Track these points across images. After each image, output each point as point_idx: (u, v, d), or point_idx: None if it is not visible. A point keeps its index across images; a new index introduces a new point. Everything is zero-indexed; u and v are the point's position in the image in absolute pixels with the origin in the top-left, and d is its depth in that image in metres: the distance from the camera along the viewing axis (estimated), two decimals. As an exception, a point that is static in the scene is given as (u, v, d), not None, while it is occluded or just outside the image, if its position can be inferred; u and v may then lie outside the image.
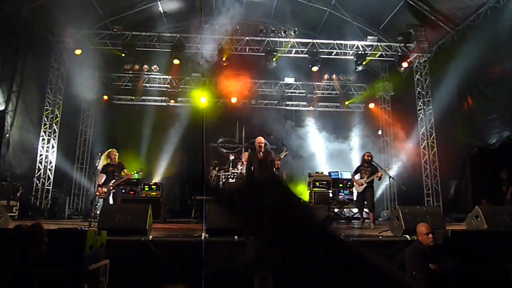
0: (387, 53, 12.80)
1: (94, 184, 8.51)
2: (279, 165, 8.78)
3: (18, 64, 10.46)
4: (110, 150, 8.46)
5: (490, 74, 10.06)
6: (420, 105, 12.65)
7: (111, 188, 8.13)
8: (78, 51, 11.63)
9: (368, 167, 8.58)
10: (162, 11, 13.02)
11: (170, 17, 13.20)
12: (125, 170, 8.44)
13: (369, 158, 8.67)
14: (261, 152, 7.51)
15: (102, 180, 8.18)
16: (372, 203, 8.52)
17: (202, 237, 5.34)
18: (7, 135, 9.98)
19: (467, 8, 10.75)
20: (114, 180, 8.15)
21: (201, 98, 14.57)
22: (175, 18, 13.33)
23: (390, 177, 8.95)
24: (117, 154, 8.47)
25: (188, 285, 1.25)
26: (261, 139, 7.72)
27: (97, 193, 8.00)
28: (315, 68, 13.02)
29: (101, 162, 8.34)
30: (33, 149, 11.39)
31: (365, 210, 8.89)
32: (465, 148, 10.78)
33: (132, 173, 10.77)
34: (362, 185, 8.43)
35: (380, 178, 8.57)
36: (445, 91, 11.35)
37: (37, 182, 11.22)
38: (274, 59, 12.57)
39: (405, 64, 12.42)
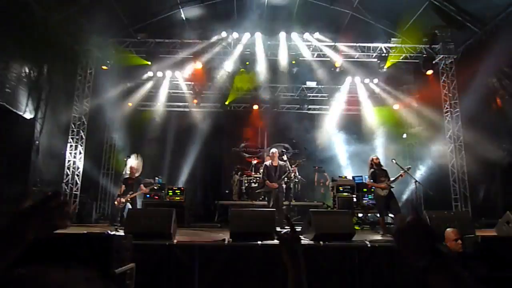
0: (412, 55, 12.57)
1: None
2: (295, 171, 8.92)
3: (46, 73, 10.80)
4: (132, 165, 8.99)
5: (521, 75, 9.74)
6: (447, 108, 12.32)
7: (128, 199, 8.75)
8: (104, 67, 12.11)
9: (382, 170, 8.40)
10: (184, 18, 13.20)
11: (192, 24, 13.36)
12: (142, 185, 9.14)
13: (378, 160, 8.50)
14: (275, 161, 8.79)
15: (122, 191, 8.83)
16: (398, 206, 8.32)
17: (226, 242, 5.35)
18: (37, 142, 10.29)
19: (495, 7, 10.41)
20: (131, 192, 8.59)
21: (224, 103, 14.75)
22: (198, 25, 13.48)
23: (416, 181, 8.72)
24: (138, 167, 9.01)
25: None
26: (275, 150, 9.03)
27: (116, 203, 8.47)
28: (338, 63, 12.85)
29: (127, 167, 8.89)
30: (61, 155, 11.70)
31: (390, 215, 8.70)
32: (495, 152, 10.42)
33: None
34: (385, 188, 8.15)
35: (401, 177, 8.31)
36: (473, 93, 11.00)
37: (65, 187, 11.52)
38: (293, 62, 12.54)
39: (429, 72, 12.24)
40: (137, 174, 9.37)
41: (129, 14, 12.37)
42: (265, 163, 9.37)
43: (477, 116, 11.12)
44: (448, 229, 4.76)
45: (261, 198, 11.26)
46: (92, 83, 12.46)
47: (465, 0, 10.88)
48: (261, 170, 11.79)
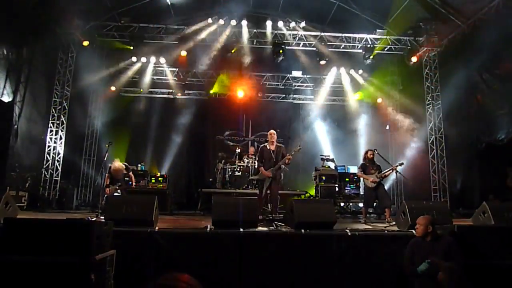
0: (396, 46, 12.66)
1: (102, 176, 8.77)
2: (290, 160, 7.81)
3: (25, 55, 10.49)
4: (117, 165, 8.53)
5: (501, 69, 9.92)
6: (429, 100, 12.52)
7: (117, 188, 8.44)
8: (85, 43, 11.71)
9: (373, 164, 8.45)
10: (169, 3, 12.93)
11: (177, 9, 13.12)
12: (131, 174, 8.84)
13: (372, 156, 8.52)
14: (274, 144, 7.86)
15: (109, 181, 8.44)
16: (389, 198, 8.41)
17: (208, 229, 5.36)
18: (15, 126, 10.05)
19: (478, 1, 10.54)
20: (119, 183, 8.37)
21: (209, 91, 14.65)
22: (183, 10, 13.26)
23: (396, 172, 8.84)
24: (123, 168, 8.57)
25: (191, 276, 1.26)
26: (273, 131, 8.01)
27: (107, 192, 8.18)
28: (323, 62, 12.97)
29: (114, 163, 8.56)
30: (41, 140, 11.46)
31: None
32: (473, 144, 10.67)
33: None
34: (373, 181, 8.15)
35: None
36: (454, 85, 11.19)
37: (46, 173, 11.31)
38: (280, 51, 12.45)
39: (414, 59, 12.30)
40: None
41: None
42: (261, 145, 8.37)
43: (457, 109, 11.34)
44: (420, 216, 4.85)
45: (244, 187, 11.30)
46: (74, 67, 12.18)
47: (450, -7, 11.00)
48: (245, 159, 11.85)
